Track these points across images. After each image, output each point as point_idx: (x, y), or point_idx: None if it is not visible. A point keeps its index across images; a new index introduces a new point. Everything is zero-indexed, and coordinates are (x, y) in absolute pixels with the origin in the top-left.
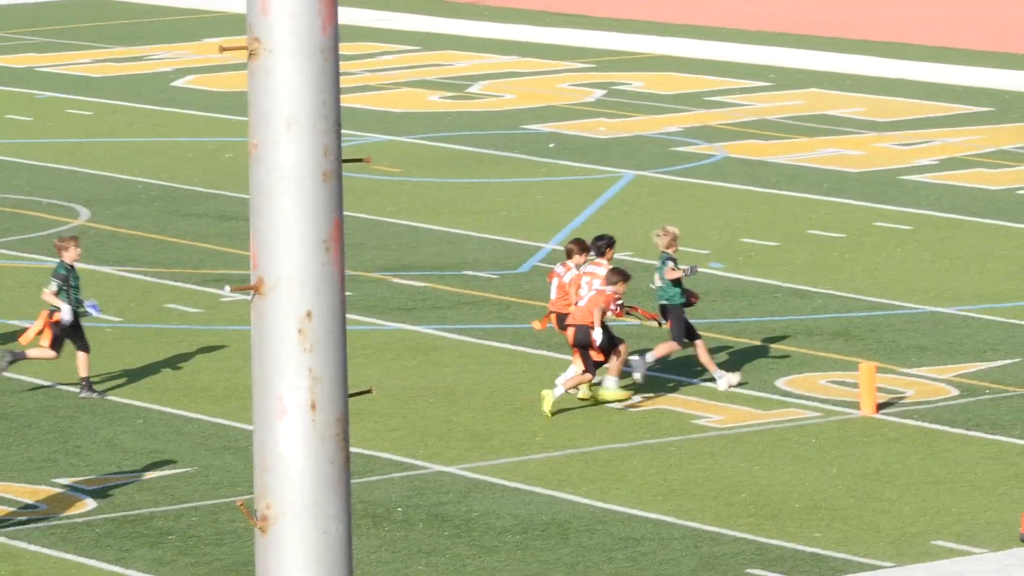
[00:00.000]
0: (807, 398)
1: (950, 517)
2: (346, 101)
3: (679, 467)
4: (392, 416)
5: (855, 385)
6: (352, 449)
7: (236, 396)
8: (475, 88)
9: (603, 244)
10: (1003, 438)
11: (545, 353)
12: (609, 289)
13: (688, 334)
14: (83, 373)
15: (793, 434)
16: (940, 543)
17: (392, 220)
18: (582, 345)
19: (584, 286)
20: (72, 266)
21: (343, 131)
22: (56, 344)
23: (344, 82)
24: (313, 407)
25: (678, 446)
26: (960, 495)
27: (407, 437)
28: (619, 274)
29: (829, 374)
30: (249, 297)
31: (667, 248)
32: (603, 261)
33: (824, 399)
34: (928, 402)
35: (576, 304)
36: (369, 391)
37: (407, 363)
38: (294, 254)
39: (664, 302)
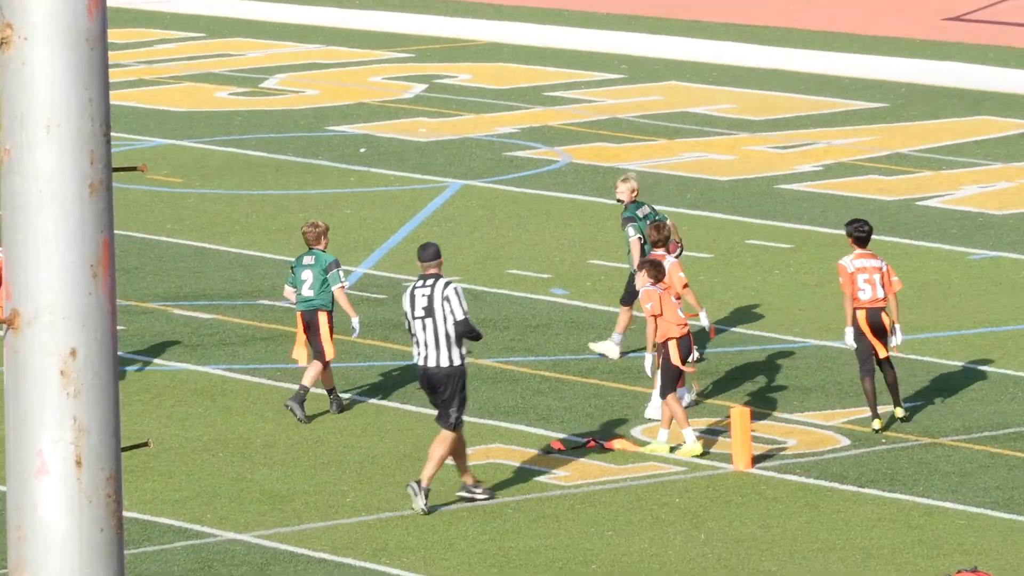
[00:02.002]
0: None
1: None
2: (116, 98)
3: (517, 533)
4: (174, 474)
5: (726, 434)
6: (126, 513)
7: None
8: (271, 82)
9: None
10: (903, 496)
11: (356, 398)
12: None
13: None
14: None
15: (653, 493)
16: None
17: (173, 240)
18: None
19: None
20: None
21: (113, 134)
22: None
23: (114, 76)
24: (79, 463)
25: (516, 507)
26: (853, 565)
27: (192, 499)
28: None
29: (695, 421)
30: (1, 333)
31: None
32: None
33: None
34: (813, 454)
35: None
36: (146, 444)
37: (191, 410)
38: (55, 281)
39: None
